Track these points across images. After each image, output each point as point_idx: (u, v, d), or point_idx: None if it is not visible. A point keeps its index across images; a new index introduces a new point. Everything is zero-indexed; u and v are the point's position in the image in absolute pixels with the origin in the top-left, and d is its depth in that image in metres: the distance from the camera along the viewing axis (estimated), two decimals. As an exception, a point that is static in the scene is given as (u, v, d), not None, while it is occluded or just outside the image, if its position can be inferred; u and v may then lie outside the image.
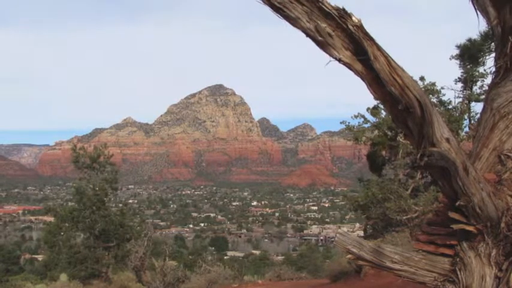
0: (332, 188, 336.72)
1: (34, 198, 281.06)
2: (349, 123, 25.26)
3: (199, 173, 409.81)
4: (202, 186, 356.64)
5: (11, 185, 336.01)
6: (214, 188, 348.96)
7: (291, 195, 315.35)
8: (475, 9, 4.88)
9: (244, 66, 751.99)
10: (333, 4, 4.18)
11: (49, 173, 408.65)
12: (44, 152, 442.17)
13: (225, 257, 71.51)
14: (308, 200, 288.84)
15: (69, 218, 27.11)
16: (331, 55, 4.27)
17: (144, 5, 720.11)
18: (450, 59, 22.97)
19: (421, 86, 15.88)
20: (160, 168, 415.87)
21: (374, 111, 24.03)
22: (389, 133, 23.51)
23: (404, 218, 17.79)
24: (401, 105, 4.32)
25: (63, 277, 24.59)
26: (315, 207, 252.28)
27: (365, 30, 4.18)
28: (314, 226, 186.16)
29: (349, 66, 4.32)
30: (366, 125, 24.88)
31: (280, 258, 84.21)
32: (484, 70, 22.14)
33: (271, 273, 25.51)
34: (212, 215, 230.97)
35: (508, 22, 4.66)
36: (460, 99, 23.29)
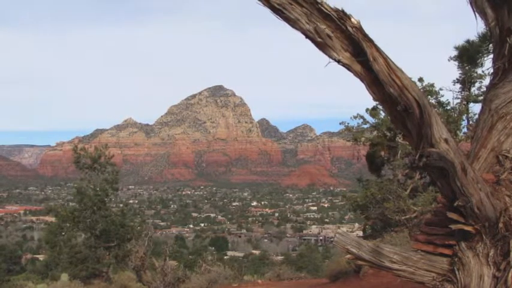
0: (331, 188, 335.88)
1: (35, 199, 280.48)
2: (348, 124, 25.25)
3: (200, 174, 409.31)
4: (202, 187, 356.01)
5: (12, 186, 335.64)
6: (214, 188, 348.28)
7: (291, 195, 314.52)
8: (474, 10, 4.90)
9: (244, 67, 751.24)
10: (332, 5, 4.21)
11: (50, 174, 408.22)
12: (45, 152, 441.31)
13: (225, 257, 71.30)
14: (307, 200, 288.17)
15: (70, 218, 27.13)
16: (330, 56, 4.30)
17: (145, 5, 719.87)
18: (449, 60, 22.93)
19: (419, 87, 15.91)
20: (161, 169, 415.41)
21: (373, 112, 24.04)
22: (388, 134, 23.50)
23: (403, 218, 17.80)
24: (400, 106, 4.35)
25: (64, 277, 24.64)
26: (315, 208, 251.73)
27: (364, 31, 4.21)
28: (313, 226, 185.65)
29: (348, 67, 4.35)
30: (365, 126, 24.89)
31: (279, 258, 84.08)
32: (482, 71, 22.10)
33: (271, 273, 25.48)
34: (212, 215, 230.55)
35: (506, 24, 4.69)
36: (459, 100, 23.27)
